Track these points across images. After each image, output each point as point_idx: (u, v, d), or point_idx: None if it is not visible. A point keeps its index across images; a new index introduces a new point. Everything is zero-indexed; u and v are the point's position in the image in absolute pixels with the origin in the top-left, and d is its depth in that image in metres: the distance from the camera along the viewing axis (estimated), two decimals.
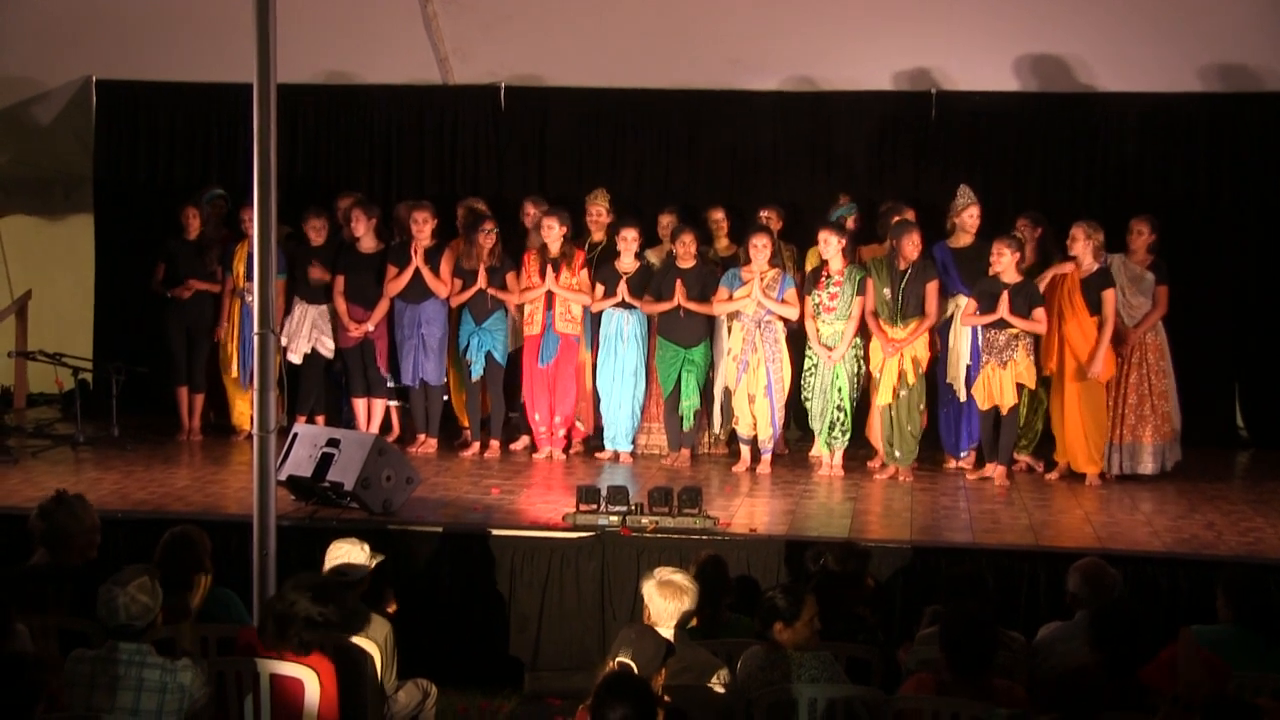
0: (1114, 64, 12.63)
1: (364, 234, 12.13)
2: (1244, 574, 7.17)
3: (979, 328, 11.04)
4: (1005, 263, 10.87)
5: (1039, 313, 10.86)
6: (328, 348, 12.19)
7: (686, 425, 11.68)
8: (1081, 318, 10.89)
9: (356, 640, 6.88)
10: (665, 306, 11.52)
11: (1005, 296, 10.81)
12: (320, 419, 12.17)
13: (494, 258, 11.82)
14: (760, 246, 11.25)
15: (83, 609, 6.56)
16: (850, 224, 11.90)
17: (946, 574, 8.53)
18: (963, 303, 11.23)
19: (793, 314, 11.32)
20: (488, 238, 11.81)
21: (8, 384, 14.06)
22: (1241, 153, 12.96)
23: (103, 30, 13.24)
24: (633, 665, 5.92)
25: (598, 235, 12.18)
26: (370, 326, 12.08)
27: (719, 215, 12.31)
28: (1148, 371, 11.14)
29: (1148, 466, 11.12)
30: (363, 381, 12.25)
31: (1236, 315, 12.70)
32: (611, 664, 6.14)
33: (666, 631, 6.44)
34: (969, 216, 11.45)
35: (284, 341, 11.96)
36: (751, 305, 11.25)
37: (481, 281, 11.79)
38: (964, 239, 11.50)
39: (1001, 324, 10.87)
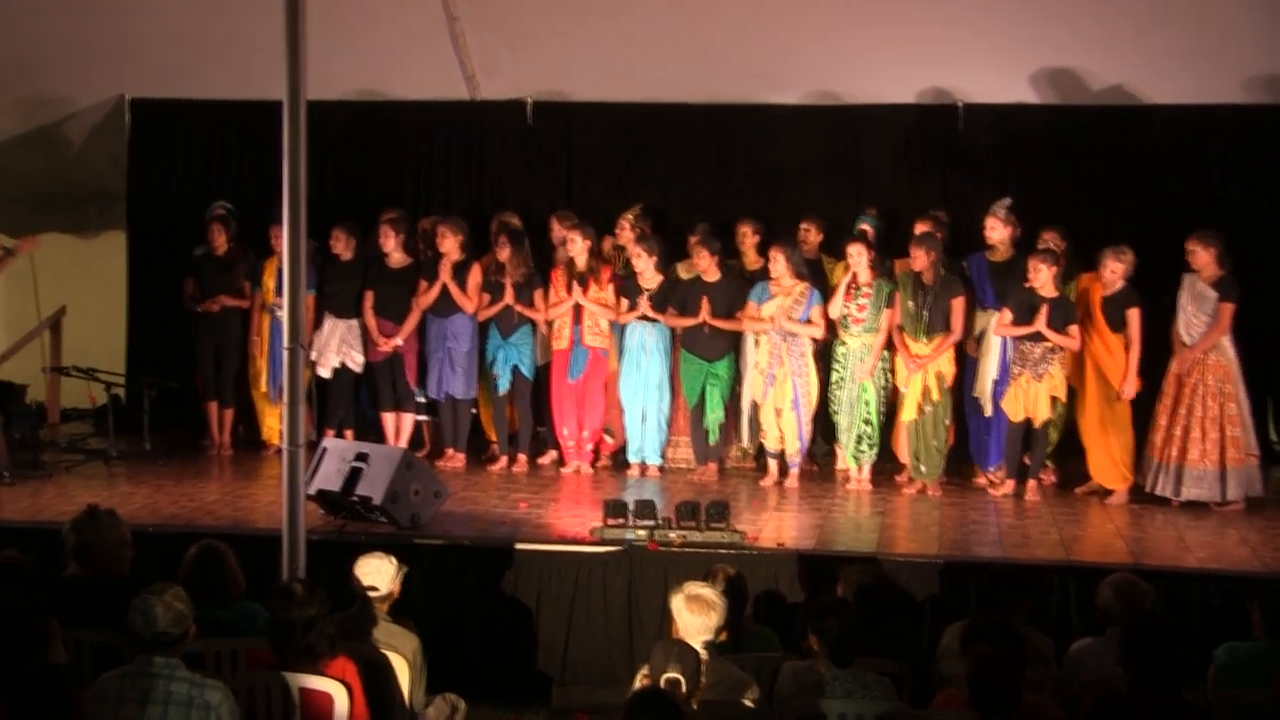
0: (1142, 76, 12.58)
1: (393, 249, 12.18)
2: None
3: (1008, 342, 11.02)
4: (1044, 278, 10.85)
5: (1074, 329, 10.85)
6: (357, 362, 12.23)
7: (712, 439, 11.69)
8: (1104, 335, 10.89)
9: (386, 653, 6.90)
10: (690, 321, 11.55)
11: (1045, 310, 10.79)
12: (349, 433, 12.20)
13: (520, 273, 11.85)
14: (774, 259, 11.29)
15: (114, 624, 6.58)
16: (870, 234, 11.91)
17: (979, 587, 8.56)
18: (994, 316, 11.20)
19: (817, 333, 11.33)
20: (501, 250, 11.86)
21: (42, 399, 14.13)
22: (1273, 165, 12.90)
23: (136, 49, 13.30)
24: (682, 680, 5.94)
25: (630, 251, 12.19)
26: (399, 341, 12.12)
27: (746, 229, 12.30)
28: (1204, 394, 10.77)
29: (1188, 491, 10.80)
30: (391, 396, 12.28)
31: (1268, 329, 12.58)
32: (646, 678, 6.15)
33: (696, 647, 6.44)
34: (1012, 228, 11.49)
35: (313, 356, 12.01)
36: (775, 334, 11.29)
37: (509, 298, 11.82)
38: (1002, 253, 11.49)
39: (1037, 337, 10.86)
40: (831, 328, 11.43)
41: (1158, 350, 11.05)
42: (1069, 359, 11.02)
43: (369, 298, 12.17)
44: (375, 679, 6.54)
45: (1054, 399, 10.98)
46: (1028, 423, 11.01)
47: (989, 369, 11.22)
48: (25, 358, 13.79)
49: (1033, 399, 10.94)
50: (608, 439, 12.23)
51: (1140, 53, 12.29)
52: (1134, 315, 10.85)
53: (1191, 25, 11.89)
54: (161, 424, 12.51)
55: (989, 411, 11.21)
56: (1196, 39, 12.02)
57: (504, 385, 11.98)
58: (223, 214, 12.79)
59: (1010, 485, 11.14)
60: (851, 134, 13.41)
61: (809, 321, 11.29)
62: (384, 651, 6.90)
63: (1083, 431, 11.18)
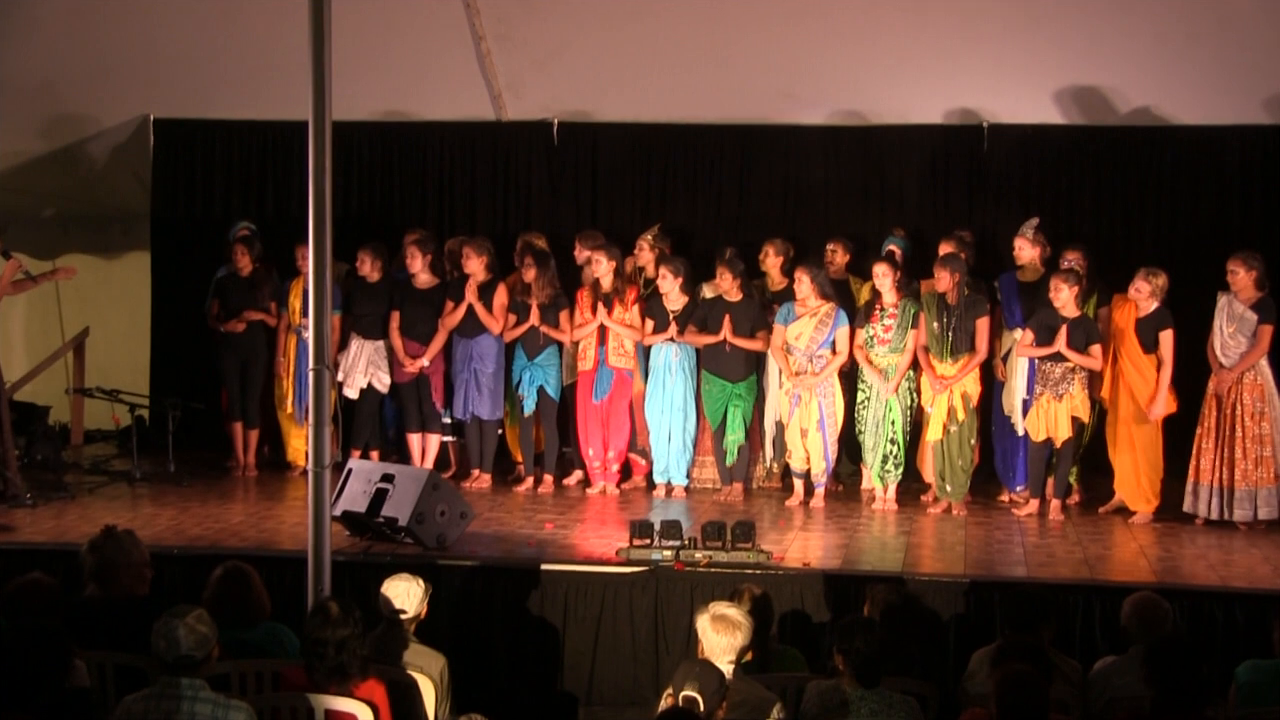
0: (1167, 97, 12.58)
1: (419, 270, 12.20)
2: None
3: (1035, 361, 11.00)
4: (1064, 298, 10.84)
5: (1095, 349, 10.83)
6: (383, 383, 12.25)
7: (730, 460, 11.68)
8: (1135, 357, 10.84)
9: (413, 674, 6.91)
10: (711, 339, 11.55)
11: (1064, 331, 10.79)
12: (374, 454, 12.22)
13: (545, 294, 11.87)
14: (799, 280, 11.31)
15: (134, 645, 6.60)
16: (898, 254, 11.92)
17: (1003, 606, 8.52)
18: (1019, 336, 11.20)
19: (842, 360, 11.34)
20: (527, 271, 11.89)
21: (66, 420, 14.19)
22: None
23: (161, 69, 13.37)
24: (699, 699, 5.92)
25: (649, 271, 12.22)
26: (425, 361, 12.13)
27: (770, 249, 12.30)
28: (1241, 414, 10.68)
29: (1236, 513, 10.67)
30: (417, 416, 12.30)
31: None
32: (670, 698, 6.14)
33: (723, 666, 6.43)
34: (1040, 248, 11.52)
35: (340, 377, 12.05)
36: (801, 355, 11.32)
37: (534, 318, 11.84)
38: (1031, 273, 11.49)
39: (1058, 357, 10.84)
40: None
41: (1189, 370, 11.01)
42: (1095, 379, 11.00)
43: (395, 318, 12.19)
44: (401, 700, 6.56)
45: (1075, 419, 10.95)
46: (1050, 442, 10.99)
47: (1017, 387, 11.20)
48: (49, 379, 13.86)
49: (1053, 419, 10.91)
50: (641, 461, 12.23)
51: (1164, 73, 12.32)
52: (1166, 337, 10.78)
53: (1214, 46, 11.90)
54: (186, 445, 12.53)
55: (1021, 430, 11.19)
56: (1219, 60, 12.03)
57: (529, 406, 11.99)
58: (246, 235, 12.83)
59: (1034, 505, 11.13)
60: (877, 154, 13.44)
61: (833, 346, 11.30)
62: (410, 672, 6.91)
63: (1111, 451, 11.13)
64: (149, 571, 7.41)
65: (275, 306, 12.53)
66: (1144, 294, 10.81)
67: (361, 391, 12.24)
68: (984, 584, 9.04)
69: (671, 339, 11.69)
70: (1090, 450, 11.52)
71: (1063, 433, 10.93)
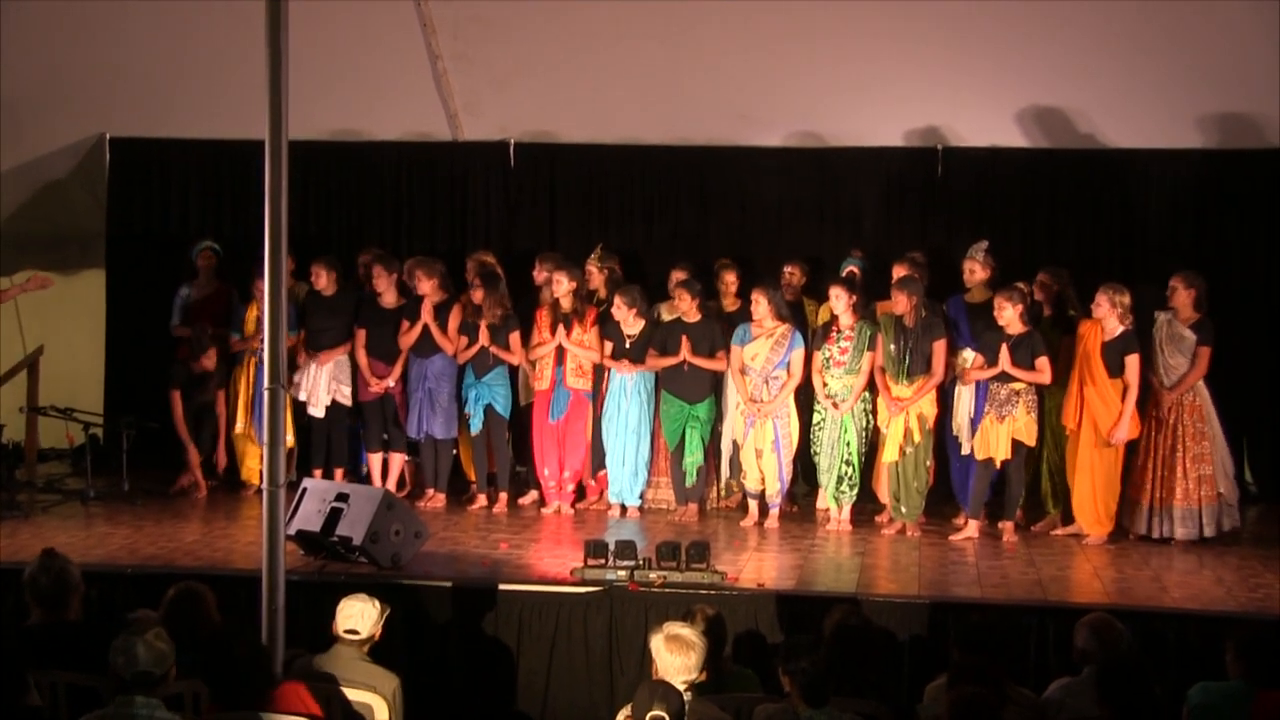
0: (1121, 120, 12.68)
1: (385, 289, 12.19)
2: (1256, 630, 7.15)
3: (986, 381, 11.01)
4: (1007, 317, 10.87)
5: (1041, 362, 10.84)
6: (346, 396, 12.22)
7: (689, 481, 11.69)
8: (1100, 382, 10.81)
9: (365, 695, 6.89)
10: (670, 361, 11.56)
11: (1005, 349, 10.82)
12: (339, 472, 12.21)
13: (495, 315, 11.85)
14: (756, 301, 11.34)
15: (83, 669, 6.55)
16: (857, 275, 11.96)
17: (956, 629, 8.54)
18: (968, 356, 11.23)
19: (795, 384, 11.37)
20: (475, 292, 11.89)
21: (19, 439, 14.03)
22: (1249, 209, 12.98)
23: (117, 87, 13.35)
24: (667, 718, 5.93)
25: (601, 294, 12.24)
26: (391, 381, 12.12)
27: (724, 271, 12.34)
28: (1182, 434, 10.79)
29: (1177, 531, 10.81)
30: (380, 436, 12.28)
31: (1243, 369, 12.61)
32: (625, 718, 6.15)
33: (677, 687, 6.43)
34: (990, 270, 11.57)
35: (302, 396, 12.04)
36: (756, 375, 11.34)
37: (484, 339, 11.82)
38: (978, 294, 11.53)
39: (1005, 378, 10.88)
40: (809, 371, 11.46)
41: (1146, 392, 11.03)
42: (1072, 403, 10.98)
43: (360, 337, 12.17)
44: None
45: (1017, 441, 10.96)
46: (991, 463, 11.02)
47: (963, 407, 11.24)
48: (3, 397, 13.74)
49: (994, 439, 10.95)
50: (592, 483, 12.23)
51: (1117, 97, 12.42)
52: (1132, 361, 10.75)
53: (1164, 70, 12.02)
54: (140, 463, 12.46)
55: (967, 450, 11.21)
56: (1170, 83, 12.16)
57: (477, 425, 11.95)
58: (213, 260, 12.86)
59: (974, 527, 11.13)
60: (833, 176, 13.49)
61: (788, 367, 11.33)
62: (363, 692, 6.89)
63: (1070, 475, 11.16)
64: (80, 593, 7.33)
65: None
66: (1105, 309, 10.82)
67: (327, 409, 12.21)
68: (938, 605, 9.08)
69: (628, 363, 11.68)
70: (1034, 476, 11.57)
71: (1001, 453, 10.93)
